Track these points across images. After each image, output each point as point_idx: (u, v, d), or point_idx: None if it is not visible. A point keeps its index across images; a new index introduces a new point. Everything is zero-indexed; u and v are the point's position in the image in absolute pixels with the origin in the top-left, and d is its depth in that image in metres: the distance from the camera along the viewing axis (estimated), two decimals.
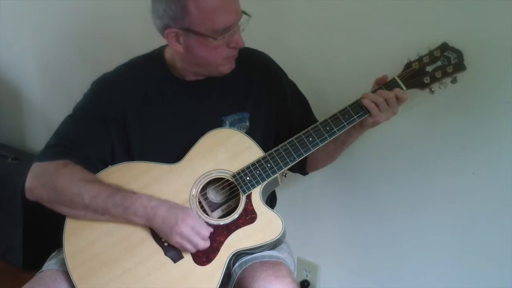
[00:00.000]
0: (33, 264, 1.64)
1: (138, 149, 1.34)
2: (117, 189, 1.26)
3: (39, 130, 2.67)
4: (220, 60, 1.28)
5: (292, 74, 1.48)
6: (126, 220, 1.25)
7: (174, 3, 1.20)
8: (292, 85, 1.49)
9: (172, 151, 1.33)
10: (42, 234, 2.12)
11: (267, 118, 1.42)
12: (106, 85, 1.36)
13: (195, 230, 1.23)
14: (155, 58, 1.38)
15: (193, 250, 1.25)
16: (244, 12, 1.26)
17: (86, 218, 1.27)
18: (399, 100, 1.27)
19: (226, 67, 1.31)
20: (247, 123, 1.38)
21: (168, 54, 1.37)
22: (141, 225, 1.26)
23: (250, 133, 1.35)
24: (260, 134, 1.37)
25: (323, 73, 1.62)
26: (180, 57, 1.31)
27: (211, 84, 1.36)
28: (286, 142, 1.31)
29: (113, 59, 1.43)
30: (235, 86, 1.38)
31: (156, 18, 1.26)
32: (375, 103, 1.25)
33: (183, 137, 1.34)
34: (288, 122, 1.42)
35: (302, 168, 1.50)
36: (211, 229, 1.27)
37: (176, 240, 1.23)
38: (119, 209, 1.24)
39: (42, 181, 1.28)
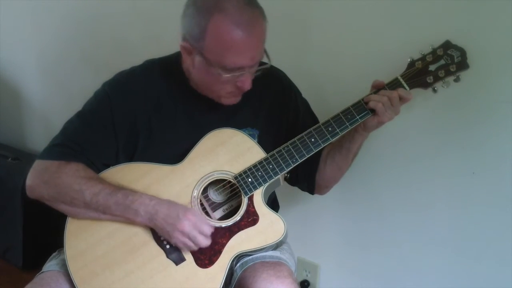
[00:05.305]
0: (33, 264, 1.64)
1: (141, 154, 1.33)
2: (119, 188, 1.25)
3: (39, 130, 2.66)
4: (222, 93, 1.26)
5: (294, 73, 1.47)
6: (127, 219, 1.24)
7: (197, 22, 1.17)
8: (305, 103, 1.47)
9: (176, 159, 1.31)
10: (42, 234, 2.12)
11: (277, 136, 1.39)
12: (119, 88, 1.32)
13: (196, 227, 1.21)
14: (172, 64, 1.34)
15: (195, 248, 1.23)
16: (263, 62, 1.24)
17: (86, 216, 1.26)
18: (402, 100, 1.26)
19: (229, 100, 1.29)
20: (256, 140, 1.36)
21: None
22: (142, 224, 1.25)
23: None
24: (268, 151, 1.33)
25: (325, 72, 1.62)
26: (191, 70, 1.29)
27: None
28: (288, 143, 1.31)
29: (113, 59, 1.42)
30: (247, 103, 1.35)
31: (181, 24, 1.22)
32: (381, 103, 1.25)
33: (189, 147, 1.32)
34: None
35: (310, 188, 1.48)
36: (213, 225, 1.26)
37: (178, 238, 1.21)
38: (120, 207, 1.23)
39: (43, 179, 1.27)
